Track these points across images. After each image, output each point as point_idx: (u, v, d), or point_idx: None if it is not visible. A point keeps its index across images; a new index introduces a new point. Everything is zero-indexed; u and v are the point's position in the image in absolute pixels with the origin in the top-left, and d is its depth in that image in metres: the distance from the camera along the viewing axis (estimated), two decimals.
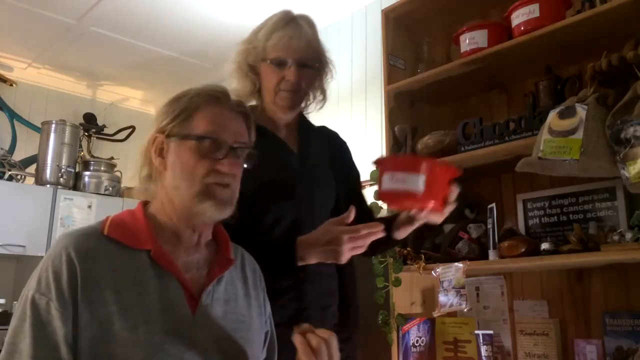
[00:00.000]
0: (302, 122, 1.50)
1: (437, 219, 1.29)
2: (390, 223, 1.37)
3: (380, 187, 1.21)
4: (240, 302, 1.06)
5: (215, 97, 1.03)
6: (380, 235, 1.23)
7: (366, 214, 1.48)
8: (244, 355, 1.01)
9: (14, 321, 0.89)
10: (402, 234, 1.38)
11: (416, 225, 1.34)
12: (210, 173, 0.98)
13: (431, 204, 1.19)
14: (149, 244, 0.97)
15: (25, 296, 0.90)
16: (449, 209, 1.25)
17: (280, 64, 1.36)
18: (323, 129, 1.57)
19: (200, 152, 0.98)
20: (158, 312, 0.92)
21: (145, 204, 1.05)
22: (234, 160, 1.01)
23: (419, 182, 1.14)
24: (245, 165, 1.05)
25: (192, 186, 0.98)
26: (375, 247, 1.39)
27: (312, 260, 1.26)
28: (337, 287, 1.41)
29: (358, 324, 1.46)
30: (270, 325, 1.14)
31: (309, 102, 1.50)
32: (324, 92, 1.49)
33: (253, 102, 1.46)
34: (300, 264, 1.26)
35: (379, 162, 1.24)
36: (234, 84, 1.45)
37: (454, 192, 1.23)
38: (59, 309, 0.87)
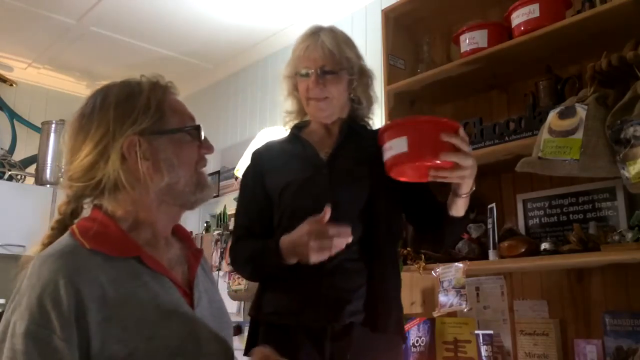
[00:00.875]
0: (345, 127, 1.52)
1: (453, 178, 1.26)
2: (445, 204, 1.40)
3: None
4: (213, 288, 1.09)
5: (165, 87, 1.01)
6: (348, 238, 1.24)
7: (433, 207, 1.46)
8: (231, 338, 1.05)
9: (9, 354, 0.80)
10: (455, 208, 1.36)
11: (457, 193, 1.32)
12: (200, 160, 1.01)
13: (422, 161, 1.21)
14: (135, 250, 0.93)
15: (16, 329, 0.81)
16: (456, 159, 1.21)
17: (304, 74, 1.46)
18: (374, 131, 1.54)
19: (189, 141, 0.99)
20: (167, 316, 0.91)
21: (100, 209, 0.97)
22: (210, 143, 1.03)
23: (402, 144, 1.18)
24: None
25: (191, 176, 0.99)
26: (444, 234, 1.46)
27: (294, 259, 1.31)
28: (364, 285, 1.39)
29: (393, 329, 1.42)
30: None
31: (355, 110, 1.54)
32: (368, 98, 1.54)
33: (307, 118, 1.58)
34: (290, 262, 1.31)
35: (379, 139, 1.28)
36: (288, 107, 1.59)
37: (456, 142, 1.20)
38: (63, 339, 0.81)
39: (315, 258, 1.25)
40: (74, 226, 0.94)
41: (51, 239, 0.95)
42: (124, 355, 0.84)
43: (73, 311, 0.82)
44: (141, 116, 0.94)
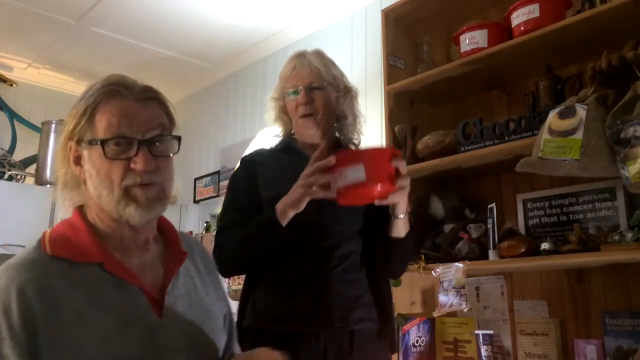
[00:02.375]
0: (335, 146, 1.55)
1: (396, 199, 1.32)
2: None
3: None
4: (200, 291, 1.03)
5: (113, 90, 0.94)
6: (329, 161, 1.25)
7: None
8: (214, 345, 1.01)
9: None
10: (395, 229, 1.42)
11: (396, 214, 1.39)
12: (126, 175, 0.91)
13: (378, 187, 1.24)
14: (99, 256, 0.91)
15: None
16: (402, 183, 1.28)
17: (293, 93, 1.51)
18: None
19: (110, 155, 0.91)
20: (126, 325, 0.88)
21: (81, 210, 0.97)
22: (147, 155, 0.92)
23: (359, 172, 1.20)
24: (171, 154, 0.97)
25: (112, 192, 0.91)
26: (390, 258, 1.48)
27: (286, 211, 1.32)
28: (366, 294, 1.45)
29: (392, 336, 1.51)
30: (227, 306, 1.13)
31: (342, 127, 1.58)
32: (354, 114, 1.58)
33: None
34: (284, 221, 1.33)
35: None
36: (275, 131, 1.62)
37: (400, 167, 1.26)
38: (13, 348, 0.81)
39: (302, 198, 1.29)
40: (47, 230, 0.95)
41: None
42: None
43: (22, 321, 0.82)
44: (75, 123, 0.94)
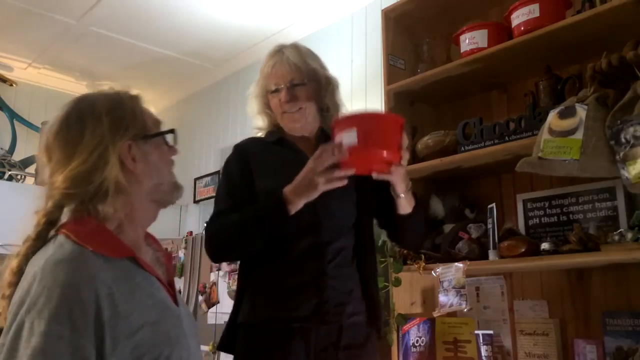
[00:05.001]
0: (322, 137, 1.57)
1: (394, 177, 1.33)
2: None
3: None
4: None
5: (139, 96, 1.09)
6: (336, 147, 1.25)
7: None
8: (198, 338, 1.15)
9: (30, 352, 0.82)
10: (401, 208, 1.44)
11: (397, 193, 1.39)
12: (171, 163, 1.10)
13: (385, 153, 1.24)
14: (129, 251, 0.99)
15: (34, 329, 0.83)
16: (406, 155, 1.29)
17: (275, 90, 1.53)
18: None
19: (164, 145, 1.09)
20: (162, 311, 0.97)
21: (89, 214, 1.00)
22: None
23: (352, 137, 1.21)
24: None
25: (171, 177, 1.09)
26: (403, 234, 1.54)
27: (299, 200, 1.32)
28: (356, 287, 1.48)
29: (382, 330, 1.61)
30: None
31: (326, 118, 1.58)
32: (335, 105, 1.60)
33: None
34: (293, 209, 1.33)
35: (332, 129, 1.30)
36: (259, 124, 1.63)
37: (405, 138, 1.28)
38: (85, 336, 0.84)
39: (322, 183, 1.29)
40: (66, 231, 0.96)
41: (34, 249, 0.99)
42: (130, 349, 0.88)
43: (93, 311, 0.86)
44: (131, 123, 1.03)
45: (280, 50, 1.56)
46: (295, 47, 1.57)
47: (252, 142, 1.61)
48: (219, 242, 1.46)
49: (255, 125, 1.65)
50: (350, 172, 1.28)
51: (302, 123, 1.53)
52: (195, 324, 1.15)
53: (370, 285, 1.51)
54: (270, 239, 1.40)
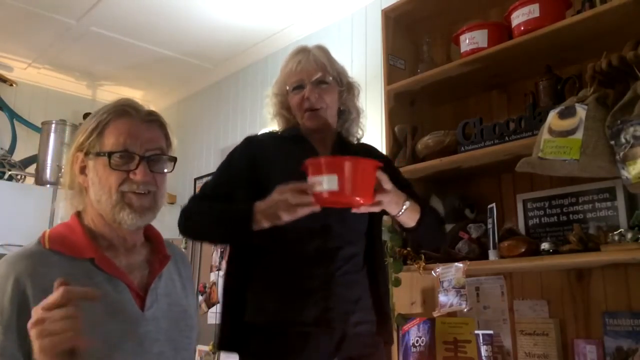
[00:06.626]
0: (338, 140, 1.57)
1: (376, 208, 1.32)
2: None
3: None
4: (179, 293, 1.17)
5: (122, 111, 1.08)
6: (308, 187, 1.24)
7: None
8: (189, 341, 1.15)
9: None
10: (403, 223, 1.43)
11: (391, 215, 1.39)
12: (124, 182, 1.05)
13: (354, 200, 1.24)
14: (90, 253, 1.04)
15: None
16: (381, 197, 1.28)
17: (298, 87, 1.51)
18: (361, 145, 1.65)
19: (114, 166, 1.05)
20: (111, 314, 1.00)
21: (78, 215, 1.11)
22: (145, 169, 1.06)
23: (333, 182, 1.21)
24: (165, 170, 1.11)
25: (110, 197, 1.05)
26: (417, 243, 1.65)
27: (264, 222, 1.31)
28: (365, 296, 1.47)
29: (389, 338, 1.56)
30: (198, 307, 1.23)
31: (345, 121, 1.59)
32: (357, 110, 1.60)
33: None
34: (256, 227, 1.32)
35: (304, 168, 1.28)
36: (274, 127, 1.62)
37: (382, 179, 1.27)
38: (4, 326, 0.92)
39: (286, 217, 1.26)
40: (47, 229, 1.07)
41: None
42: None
43: (13, 304, 0.93)
44: (86, 136, 1.08)
45: (306, 49, 1.56)
46: (322, 48, 1.58)
47: (267, 136, 1.61)
48: (190, 222, 1.47)
49: (271, 129, 1.64)
50: (318, 209, 1.26)
51: (322, 122, 1.52)
52: (186, 326, 1.14)
53: (381, 294, 1.50)
54: (233, 242, 1.43)
